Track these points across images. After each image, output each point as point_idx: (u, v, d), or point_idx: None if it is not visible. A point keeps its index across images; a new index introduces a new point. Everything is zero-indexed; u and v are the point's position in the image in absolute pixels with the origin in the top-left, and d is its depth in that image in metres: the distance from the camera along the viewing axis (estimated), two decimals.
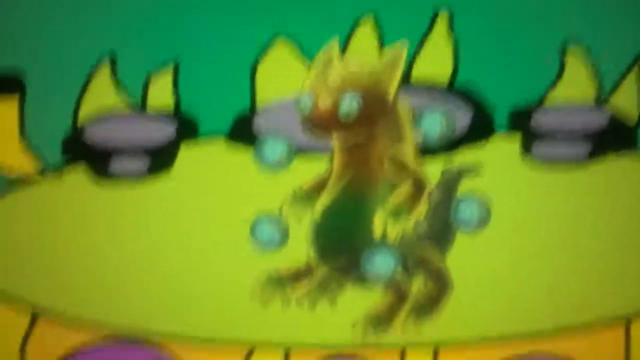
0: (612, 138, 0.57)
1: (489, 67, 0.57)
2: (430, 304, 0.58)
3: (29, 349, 0.59)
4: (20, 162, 0.59)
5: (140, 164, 0.58)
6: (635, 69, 0.56)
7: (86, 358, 0.59)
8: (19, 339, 0.59)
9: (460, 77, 0.57)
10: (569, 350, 0.58)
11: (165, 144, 0.58)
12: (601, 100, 0.57)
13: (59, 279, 0.58)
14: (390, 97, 0.56)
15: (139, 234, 0.58)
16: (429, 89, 0.57)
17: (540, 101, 0.57)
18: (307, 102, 0.55)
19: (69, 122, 0.58)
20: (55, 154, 0.59)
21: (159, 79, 0.58)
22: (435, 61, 0.57)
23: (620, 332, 0.58)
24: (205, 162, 0.58)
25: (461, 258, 0.58)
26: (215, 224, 0.58)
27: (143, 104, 0.58)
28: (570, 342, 0.58)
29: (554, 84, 0.57)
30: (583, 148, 0.58)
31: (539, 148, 0.58)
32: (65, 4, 0.57)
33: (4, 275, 0.59)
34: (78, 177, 0.59)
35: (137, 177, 0.58)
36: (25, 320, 0.59)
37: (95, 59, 0.58)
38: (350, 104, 0.55)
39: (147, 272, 0.58)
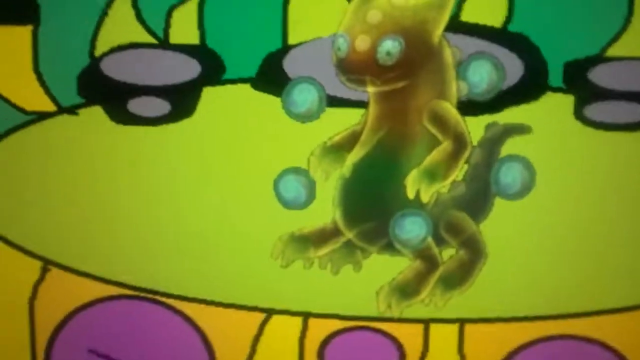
0: None
1: (548, 12, 0.48)
2: (460, 275, 0.50)
3: (39, 301, 0.53)
4: (34, 97, 0.51)
5: (161, 105, 0.50)
6: None
7: (96, 314, 0.52)
8: (29, 290, 0.53)
9: (515, 23, 0.48)
10: (604, 334, 0.50)
11: (189, 84, 0.50)
12: None
13: (71, 228, 0.52)
14: (435, 41, 0.47)
15: (156, 182, 0.51)
16: (479, 34, 0.48)
17: (601, 54, 0.47)
18: (342, 43, 0.47)
19: (86, 55, 0.50)
20: (70, 90, 0.51)
21: (183, 10, 0.50)
22: (488, 4, 0.47)
23: None
24: (229, 107, 0.50)
25: (498, 227, 0.49)
26: (238, 177, 0.50)
27: (165, 38, 0.50)
28: (606, 325, 0.50)
29: (618, 35, 0.47)
30: None
31: (595, 108, 0.49)
32: None
33: (11, 221, 0.52)
34: (94, 116, 0.51)
35: (157, 120, 0.51)
36: (35, 271, 0.53)
37: None
38: (390, 47, 0.46)
39: (163, 225, 0.52)
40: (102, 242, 0.52)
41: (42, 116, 0.51)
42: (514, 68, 0.47)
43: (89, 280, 0.52)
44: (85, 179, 0.51)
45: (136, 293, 0.52)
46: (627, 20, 0.47)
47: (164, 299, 0.52)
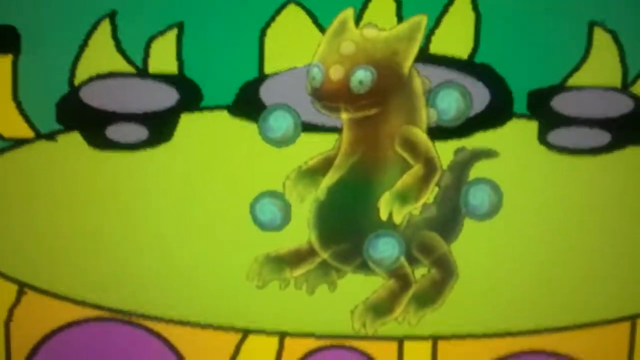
0: (634, 126, 0.51)
1: (512, 44, 0.50)
2: (433, 293, 0.52)
3: (14, 323, 0.53)
4: (12, 124, 0.52)
5: (139, 131, 0.51)
6: None
7: (72, 336, 0.53)
8: (4, 313, 0.53)
9: (481, 55, 0.50)
10: (571, 349, 0.52)
11: (166, 112, 0.51)
12: (626, 85, 0.50)
13: (49, 251, 0.53)
14: (406, 71, 0.49)
15: (134, 206, 0.52)
16: (447, 65, 0.50)
17: (562, 83, 0.50)
18: (317, 73, 0.48)
19: (65, 84, 0.52)
20: (49, 117, 0.52)
21: (162, 41, 0.51)
22: (455, 36, 0.50)
23: (625, 332, 0.52)
24: (207, 133, 0.52)
25: (468, 247, 0.51)
26: (215, 200, 0.52)
27: (144, 68, 0.51)
28: (573, 340, 0.52)
29: (578, 65, 0.50)
30: (603, 136, 0.51)
31: (557, 134, 0.51)
32: None
33: None
34: (73, 144, 0.52)
35: (135, 145, 0.52)
36: (11, 294, 0.53)
37: (94, 18, 0.51)
38: (362, 76, 0.48)
39: (141, 248, 0.52)
40: (79, 264, 0.52)
41: (19, 142, 0.52)
42: (481, 96, 0.50)
43: (66, 303, 0.52)
44: (63, 203, 0.52)
45: (113, 315, 0.52)
46: (587, 52, 0.50)
47: (140, 321, 0.53)
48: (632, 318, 0.52)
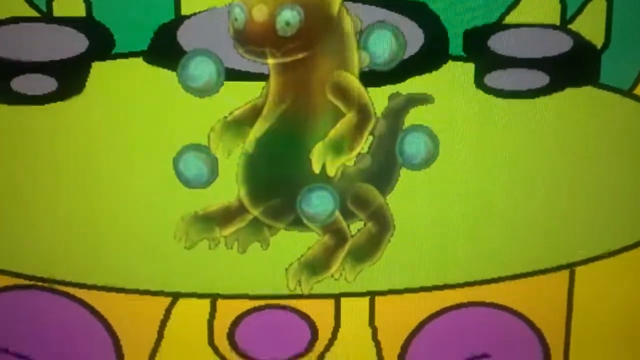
0: (574, 66, 0.49)
1: None
2: (369, 248, 0.49)
3: None
4: None
5: (47, 82, 0.47)
6: None
7: None
8: None
9: None
10: (511, 300, 0.51)
11: (76, 60, 0.47)
12: (565, 22, 0.48)
13: None
14: (334, 10, 0.45)
15: (47, 164, 0.48)
16: (378, 3, 0.46)
17: (500, 21, 0.47)
18: (239, 13, 0.45)
19: None
20: None
21: None
22: None
23: (564, 281, 0.51)
24: (121, 82, 0.47)
25: (404, 198, 0.49)
26: (134, 157, 0.48)
27: (49, 11, 0.46)
28: (512, 291, 0.51)
29: (515, 1, 0.47)
30: (542, 78, 0.48)
31: (495, 76, 0.48)
32: None
33: None
34: None
35: (44, 98, 0.47)
36: None
37: None
38: (289, 17, 0.44)
39: (57, 209, 0.48)
40: None
41: None
42: (415, 37, 0.46)
43: None
44: None
45: (32, 282, 0.49)
46: None
47: (62, 288, 0.49)
48: (570, 266, 0.50)
